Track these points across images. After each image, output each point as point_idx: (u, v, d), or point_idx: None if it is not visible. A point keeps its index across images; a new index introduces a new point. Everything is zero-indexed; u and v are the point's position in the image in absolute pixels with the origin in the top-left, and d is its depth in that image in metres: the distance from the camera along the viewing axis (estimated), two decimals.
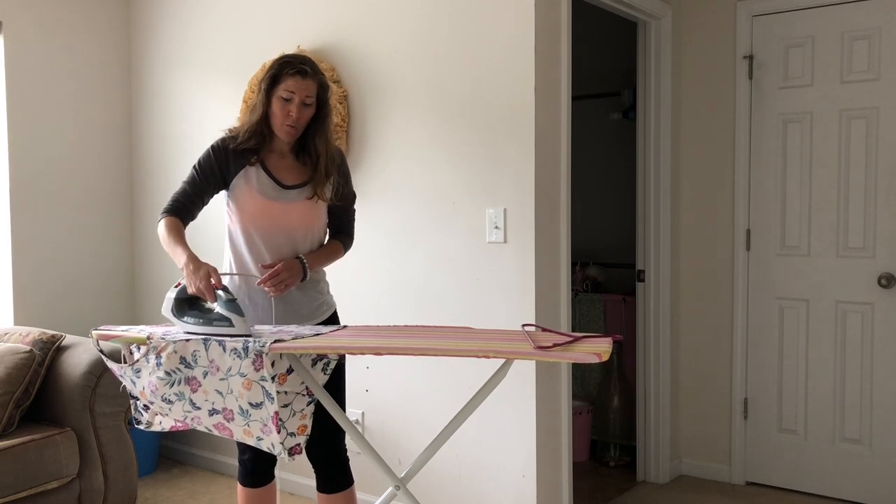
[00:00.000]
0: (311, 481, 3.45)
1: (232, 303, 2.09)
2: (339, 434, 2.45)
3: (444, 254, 3.14)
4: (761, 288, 3.76)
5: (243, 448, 2.46)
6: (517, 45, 2.90)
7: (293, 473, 3.55)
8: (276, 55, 3.51)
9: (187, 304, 2.18)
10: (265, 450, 2.07)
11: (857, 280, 3.53)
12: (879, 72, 3.44)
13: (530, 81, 2.88)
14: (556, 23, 2.98)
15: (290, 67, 2.31)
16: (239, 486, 2.51)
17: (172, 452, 4.20)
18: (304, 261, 2.38)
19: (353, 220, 2.61)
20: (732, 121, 3.78)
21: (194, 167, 2.41)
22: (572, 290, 3.54)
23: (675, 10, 3.81)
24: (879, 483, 3.51)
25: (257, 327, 2.27)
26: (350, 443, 2.46)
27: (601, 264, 4.61)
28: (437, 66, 3.13)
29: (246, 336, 2.04)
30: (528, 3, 2.87)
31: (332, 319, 2.53)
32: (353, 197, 2.58)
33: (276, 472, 2.56)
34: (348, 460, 2.48)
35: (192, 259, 2.21)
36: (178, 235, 2.32)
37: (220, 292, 2.13)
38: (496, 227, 2.99)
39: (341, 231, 2.56)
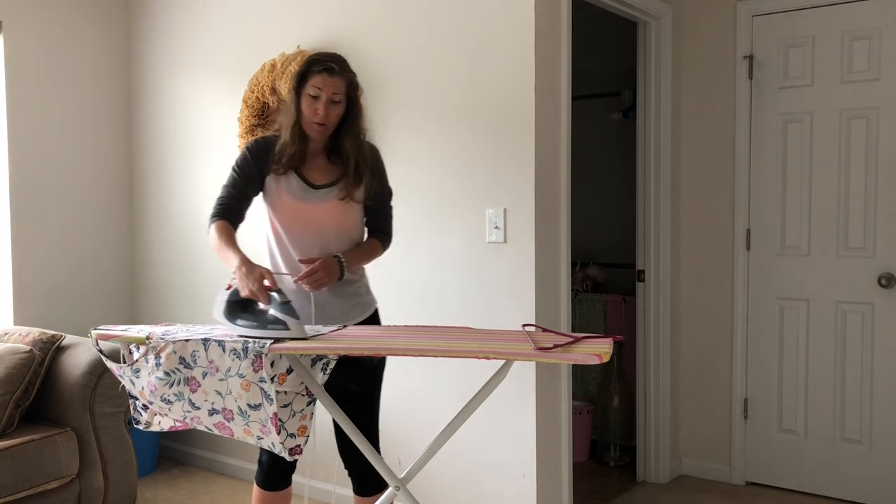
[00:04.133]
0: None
1: (286, 305, 2.04)
2: (373, 438, 2.46)
3: (444, 254, 3.13)
4: (761, 288, 3.76)
5: (262, 449, 2.46)
6: (517, 45, 2.90)
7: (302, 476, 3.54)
8: (276, 55, 3.53)
9: (239, 307, 2.12)
10: (266, 448, 2.07)
11: (857, 280, 3.53)
12: (879, 72, 3.44)
13: (530, 81, 2.88)
14: (556, 23, 2.98)
15: (318, 65, 2.29)
16: (254, 486, 2.50)
17: (172, 452, 4.20)
18: (343, 260, 2.34)
19: (391, 217, 2.57)
20: (732, 121, 3.77)
21: (233, 169, 2.38)
22: (572, 290, 3.54)
23: (675, 10, 3.81)
24: (879, 483, 3.51)
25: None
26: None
27: (601, 264, 4.61)
28: (437, 66, 3.13)
29: (302, 339, 2.00)
30: (528, 3, 2.87)
31: (372, 320, 2.49)
32: (388, 194, 2.53)
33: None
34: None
35: (245, 262, 2.16)
36: (229, 239, 2.28)
37: (274, 294, 2.07)
38: (496, 227, 2.99)
39: (379, 229, 2.53)
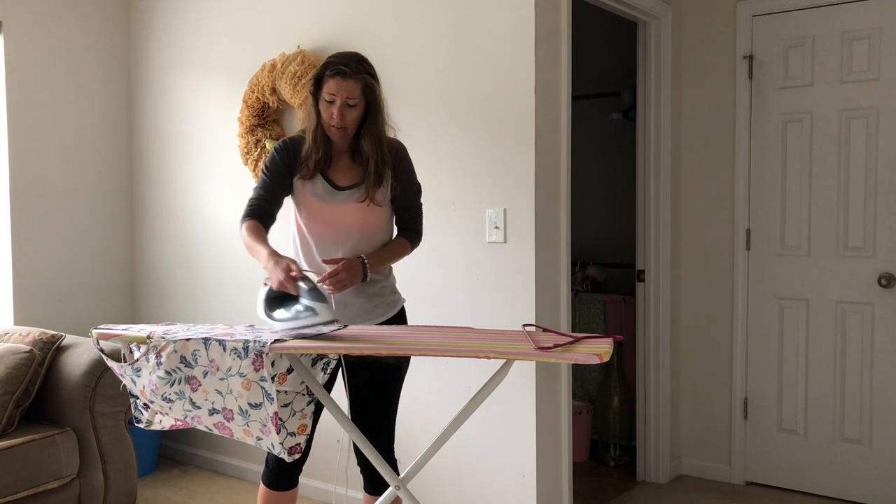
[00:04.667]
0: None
1: (313, 291, 2.06)
2: (388, 438, 2.45)
3: (444, 254, 3.14)
4: (761, 288, 3.76)
5: None
6: (517, 45, 2.91)
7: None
8: (276, 55, 3.53)
9: (277, 302, 2.15)
10: (265, 449, 2.07)
11: (857, 280, 3.53)
12: (879, 72, 3.44)
13: (530, 81, 2.88)
14: (556, 23, 2.99)
15: (331, 68, 2.28)
16: (261, 485, 2.50)
17: (172, 452, 4.20)
18: (365, 261, 2.34)
19: (420, 214, 2.55)
20: (732, 121, 3.78)
21: (263, 170, 2.41)
22: (572, 290, 3.54)
23: (675, 10, 3.81)
24: (879, 483, 3.51)
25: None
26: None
27: (601, 264, 4.61)
28: (437, 67, 3.13)
29: (332, 322, 2.02)
30: (528, 3, 2.87)
31: (398, 319, 2.48)
32: (416, 192, 2.52)
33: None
34: (396, 461, 2.46)
35: (272, 254, 2.20)
36: (259, 236, 2.30)
37: (300, 284, 2.10)
38: (496, 227, 2.99)
39: (407, 227, 2.52)
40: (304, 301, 2.06)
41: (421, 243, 2.59)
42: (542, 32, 2.91)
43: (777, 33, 3.66)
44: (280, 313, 2.12)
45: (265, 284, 2.20)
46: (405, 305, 2.54)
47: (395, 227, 2.52)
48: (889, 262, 3.45)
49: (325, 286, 2.28)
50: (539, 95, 2.90)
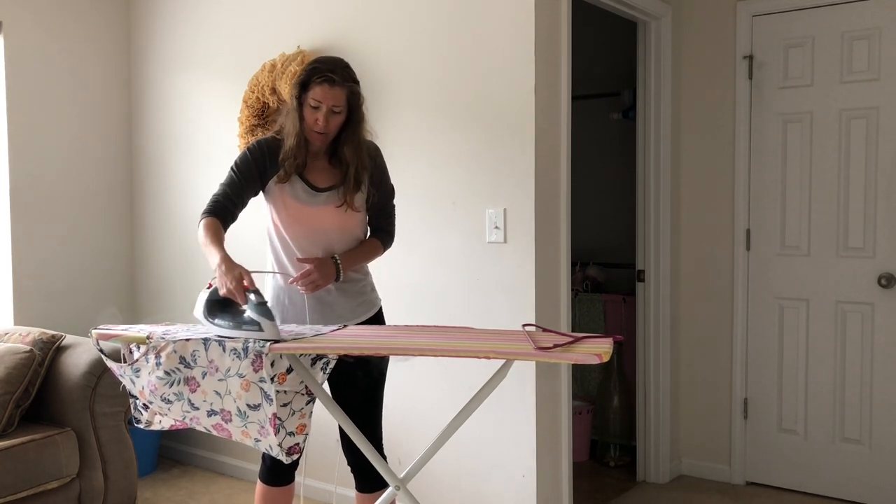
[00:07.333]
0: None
1: (262, 306, 2.02)
2: (377, 435, 2.46)
3: (444, 254, 3.14)
4: (761, 288, 3.76)
5: None
6: (517, 45, 2.90)
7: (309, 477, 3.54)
8: (276, 55, 3.53)
9: (219, 307, 2.11)
10: (263, 451, 2.06)
11: (857, 280, 3.53)
12: (879, 72, 3.44)
13: (530, 81, 2.88)
14: (556, 23, 2.98)
15: (318, 75, 2.26)
16: (258, 482, 2.51)
17: (172, 452, 4.20)
18: (338, 260, 2.35)
19: (393, 216, 2.57)
20: (732, 121, 3.77)
21: (232, 168, 2.37)
22: (572, 290, 3.54)
23: (675, 10, 3.81)
24: (879, 483, 3.51)
25: (282, 327, 2.22)
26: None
27: (601, 264, 4.61)
28: (436, 67, 3.13)
29: (276, 341, 1.98)
30: (528, 3, 2.87)
31: (376, 318, 2.50)
32: (390, 194, 2.53)
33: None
34: (386, 458, 2.47)
35: (225, 259, 2.14)
36: (215, 236, 2.25)
37: (250, 295, 2.05)
38: (496, 227, 2.99)
39: (380, 228, 2.53)
40: (251, 314, 2.01)
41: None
42: (542, 32, 2.91)
43: (777, 33, 3.66)
44: (221, 320, 2.06)
45: (209, 286, 2.15)
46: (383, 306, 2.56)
47: (368, 228, 2.53)
48: (889, 262, 3.45)
49: (298, 286, 2.29)
50: (539, 95, 2.90)
